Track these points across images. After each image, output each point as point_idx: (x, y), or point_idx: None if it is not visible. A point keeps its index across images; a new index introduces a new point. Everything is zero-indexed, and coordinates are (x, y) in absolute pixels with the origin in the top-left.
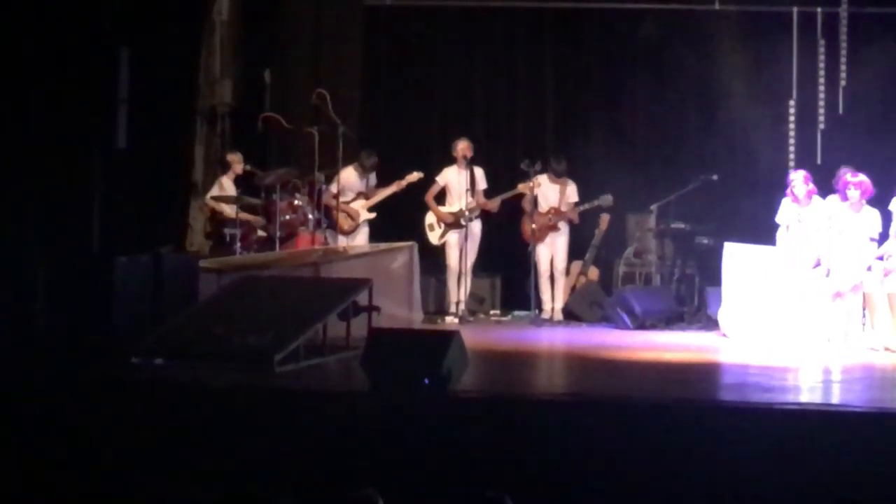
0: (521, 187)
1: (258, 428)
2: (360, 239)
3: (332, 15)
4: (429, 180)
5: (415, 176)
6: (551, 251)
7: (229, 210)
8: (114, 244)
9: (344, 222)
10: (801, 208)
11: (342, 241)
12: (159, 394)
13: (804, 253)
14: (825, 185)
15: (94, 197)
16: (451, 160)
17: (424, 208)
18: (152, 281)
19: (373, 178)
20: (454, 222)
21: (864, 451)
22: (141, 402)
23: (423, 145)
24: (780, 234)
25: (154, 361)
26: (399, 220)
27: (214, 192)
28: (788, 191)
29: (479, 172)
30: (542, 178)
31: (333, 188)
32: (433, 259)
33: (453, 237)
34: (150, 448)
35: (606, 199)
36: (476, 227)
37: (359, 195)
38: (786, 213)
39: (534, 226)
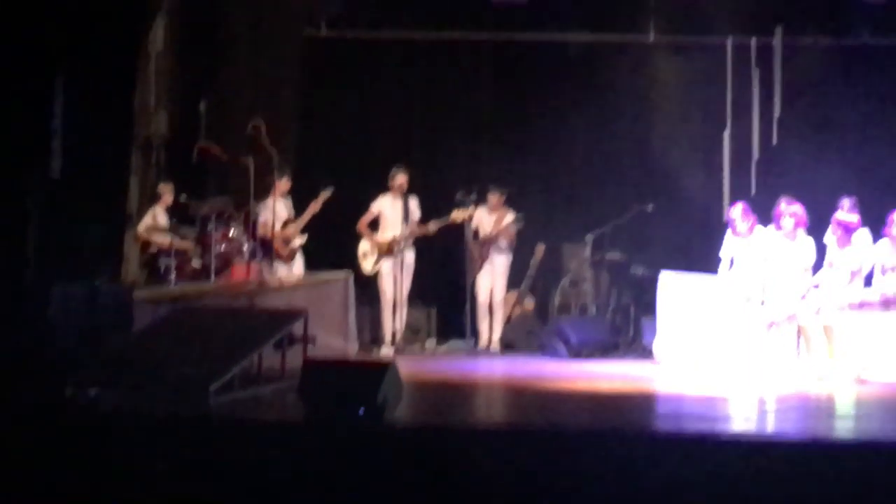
0: (456, 215)
1: (193, 458)
2: (297, 267)
3: (269, 45)
4: (367, 208)
5: (328, 192)
6: (490, 281)
7: (162, 240)
8: (49, 274)
9: (282, 250)
10: (742, 240)
11: (282, 270)
12: (93, 423)
13: (742, 284)
14: (759, 216)
15: (29, 227)
16: (386, 189)
17: (358, 237)
18: (87, 311)
19: (289, 204)
20: (388, 251)
21: (799, 481)
22: (75, 431)
23: (359, 175)
24: (722, 268)
25: (89, 391)
26: (334, 249)
27: (147, 222)
28: (730, 225)
29: (413, 202)
30: (481, 210)
31: (262, 217)
32: (368, 289)
33: (387, 266)
34: (84, 477)
35: (519, 219)
36: (409, 256)
37: (286, 222)
38: (729, 246)
39: (473, 255)
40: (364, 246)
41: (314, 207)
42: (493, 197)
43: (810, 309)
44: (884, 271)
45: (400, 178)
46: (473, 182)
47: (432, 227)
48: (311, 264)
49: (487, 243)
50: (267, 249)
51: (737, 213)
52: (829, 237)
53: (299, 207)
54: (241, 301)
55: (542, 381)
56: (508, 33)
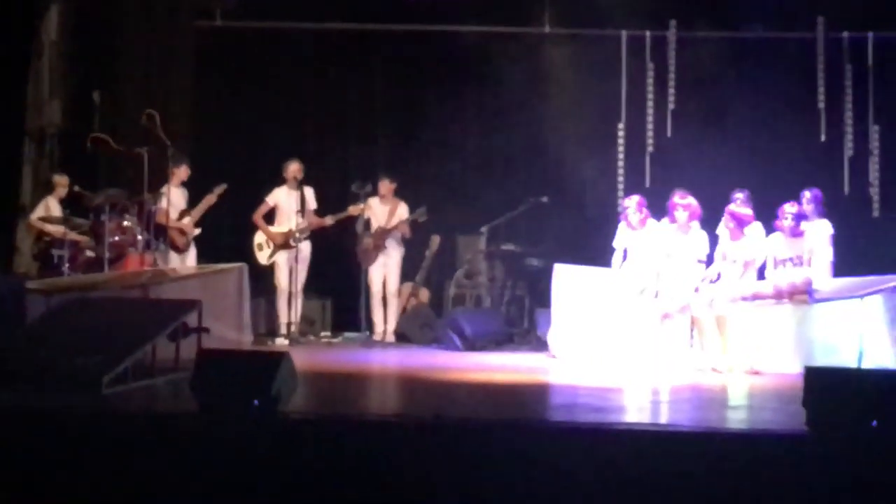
0: (352, 210)
1: (86, 451)
2: (190, 258)
3: (163, 35)
4: (259, 200)
5: (221, 188)
6: (384, 272)
7: (56, 231)
8: None
9: (178, 239)
10: (635, 233)
11: (175, 261)
12: None
13: (636, 276)
14: (654, 208)
15: None
16: (281, 180)
17: (253, 229)
18: None
19: (185, 194)
20: (284, 242)
21: (694, 471)
22: None
23: (254, 165)
24: (615, 259)
25: None
26: (228, 241)
27: (40, 212)
28: (623, 216)
29: (309, 193)
30: (374, 200)
31: (162, 205)
32: (263, 280)
33: (282, 257)
34: None
35: (421, 213)
36: (305, 247)
37: (183, 213)
38: (622, 237)
39: (366, 246)
40: (259, 238)
41: (209, 200)
42: (384, 186)
43: (703, 301)
44: (776, 264)
45: (293, 167)
46: (367, 173)
47: (328, 221)
48: (205, 256)
49: (381, 234)
50: (163, 237)
51: (631, 204)
52: (722, 229)
53: (194, 198)
54: (135, 292)
55: (436, 372)
56: (403, 24)
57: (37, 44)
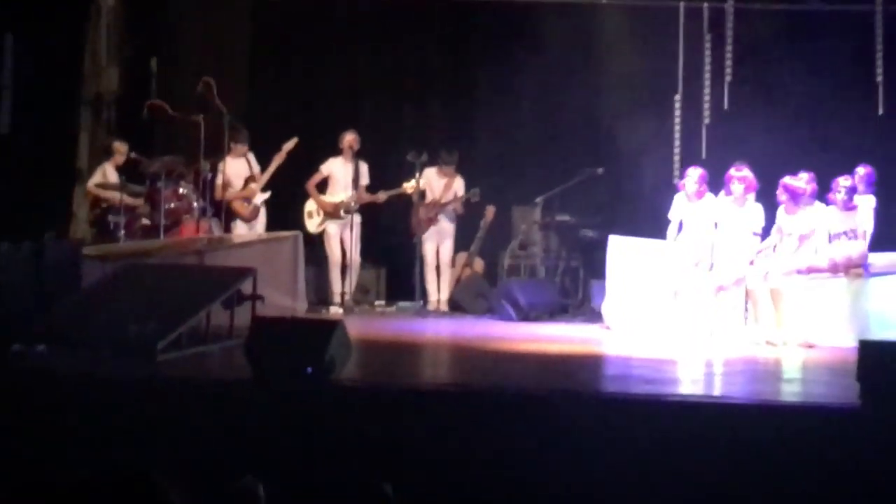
0: (406, 187)
1: (141, 416)
2: (259, 226)
3: (221, 3)
4: (316, 170)
5: (290, 143)
6: (437, 242)
7: (112, 197)
8: None
9: (242, 210)
10: (691, 205)
11: (242, 229)
12: (41, 381)
13: (691, 249)
14: (711, 180)
15: None
16: (336, 151)
17: (305, 197)
18: (35, 268)
19: (253, 161)
20: (334, 212)
21: (746, 443)
22: (22, 388)
23: (309, 135)
24: (670, 230)
25: (36, 349)
26: (282, 209)
27: (97, 179)
28: (681, 186)
29: (363, 167)
30: (430, 172)
31: (219, 180)
32: (317, 249)
33: (332, 228)
34: (32, 436)
35: (475, 193)
36: (356, 219)
37: (247, 180)
38: (678, 209)
39: (420, 217)
40: (310, 206)
41: (278, 160)
42: (447, 159)
43: (758, 273)
44: (830, 238)
45: (349, 137)
46: (422, 144)
47: (382, 196)
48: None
49: (434, 207)
50: (220, 210)
51: (694, 175)
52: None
53: (262, 164)
54: (190, 259)
55: (490, 342)
56: None
57: (94, 10)
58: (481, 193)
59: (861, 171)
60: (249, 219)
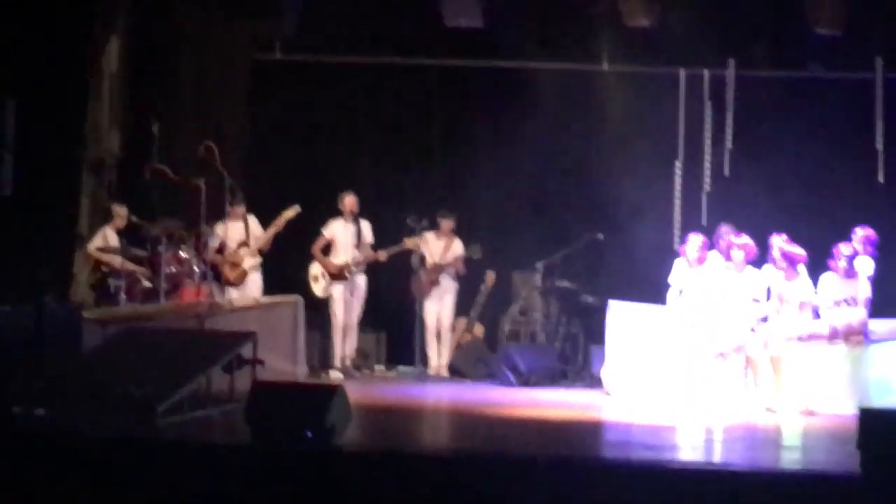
0: (408, 242)
1: (140, 479)
2: (253, 289)
3: (222, 68)
4: (317, 232)
5: (292, 211)
6: (438, 307)
7: (113, 261)
8: None
9: (230, 273)
10: (692, 270)
11: (234, 293)
12: (40, 443)
13: (691, 314)
14: (711, 245)
15: None
16: (338, 213)
17: (310, 261)
18: (35, 331)
19: (254, 224)
20: (339, 275)
21: None
22: (21, 450)
23: (310, 198)
24: (671, 295)
25: (35, 411)
26: (284, 273)
27: (97, 242)
28: (681, 251)
29: (365, 226)
30: (429, 235)
31: (214, 243)
32: (318, 313)
33: (338, 290)
34: (32, 498)
35: (476, 251)
36: (361, 280)
37: (241, 245)
38: (679, 275)
39: (421, 281)
40: (315, 269)
41: (276, 227)
42: (444, 223)
43: (758, 340)
44: (831, 305)
45: (348, 200)
46: (422, 207)
47: (382, 255)
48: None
49: (436, 270)
50: (216, 273)
51: (696, 242)
52: (772, 270)
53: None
54: (191, 323)
55: (489, 407)
56: (460, 59)
57: (96, 74)
58: (482, 252)
59: (860, 232)
60: (236, 283)
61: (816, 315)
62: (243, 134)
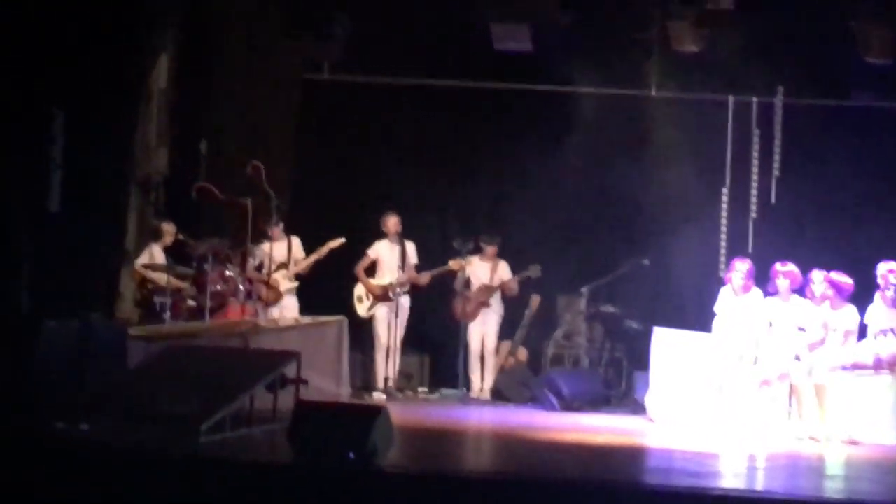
0: (453, 264)
1: (182, 496)
2: (290, 310)
3: (270, 87)
4: (361, 252)
5: (336, 242)
6: (482, 330)
7: (159, 278)
8: (43, 308)
9: (265, 293)
10: (737, 298)
11: (273, 313)
12: (83, 458)
13: (736, 342)
14: (757, 273)
15: (25, 259)
16: (382, 234)
17: (354, 281)
18: (80, 346)
19: (297, 246)
20: (383, 296)
21: None
22: (65, 466)
23: (355, 218)
24: (716, 324)
25: (80, 426)
26: (329, 292)
27: (144, 259)
28: (727, 279)
29: (410, 247)
30: (474, 258)
31: (254, 261)
32: (361, 334)
33: (382, 311)
34: None
35: (535, 270)
36: (405, 302)
37: (280, 266)
38: (724, 303)
39: (467, 303)
40: (360, 290)
41: (317, 255)
42: (489, 248)
43: (803, 369)
44: (877, 334)
45: (391, 221)
46: (468, 229)
47: (425, 278)
48: (306, 308)
49: (486, 292)
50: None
51: (742, 269)
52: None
53: (308, 248)
54: (235, 341)
55: (532, 431)
56: (508, 82)
57: (146, 91)
58: (541, 273)
59: None
60: (269, 303)
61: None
62: (290, 153)
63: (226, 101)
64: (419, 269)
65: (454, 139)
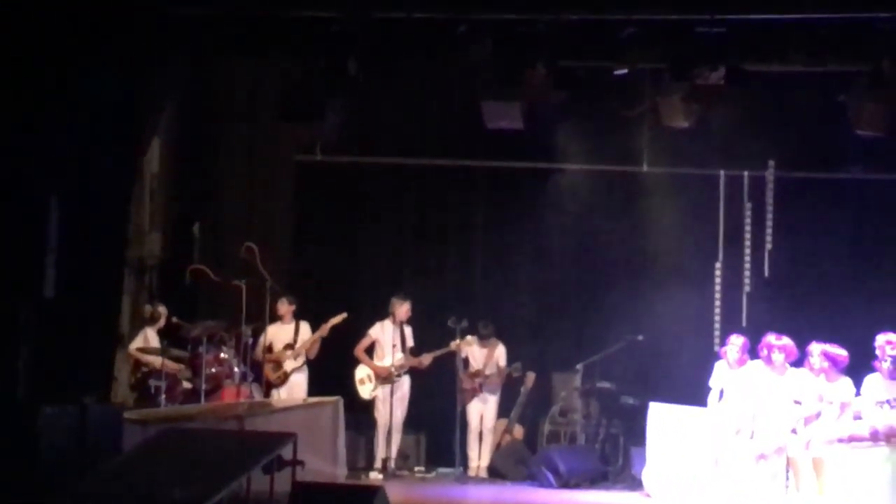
0: (454, 345)
1: None
2: (297, 390)
3: (263, 169)
4: (359, 334)
5: (338, 318)
6: (482, 408)
7: (153, 361)
8: (40, 393)
9: (271, 374)
10: (732, 372)
11: (276, 394)
12: None
13: (732, 416)
14: (752, 347)
15: (21, 345)
16: (380, 315)
17: (352, 363)
18: (77, 431)
19: (305, 329)
20: (386, 377)
21: None
22: None
23: (352, 299)
24: (711, 398)
25: None
26: (326, 373)
27: (138, 343)
28: (722, 354)
29: (407, 330)
30: (472, 339)
31: (261, 342)
32: (359, 414)
33: (383, 392)
34: None
35: (516, 368)
36: (405, 383)
37: (286, 347)
38: (719, 377)
39: (465, 385)
40: (362, 372)
41: (321, 332)
42: (486, 332)
43: (800, 442)
44: (873, 406)
45: (404, 308)
46: (464, 308)
47: (426, 360)
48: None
49: (478, 376)
50: (260, 374)
51: (737, 344)
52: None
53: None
54: (231, 424)
55: None
56: (503, 160)
57: (139, 175)
58: (522, 364)
59: None
60: (276, 384)
61: (858, 417)
62: (286, 234)
63: (220, 184)
64: (414, 351)
65: (448, 217)
